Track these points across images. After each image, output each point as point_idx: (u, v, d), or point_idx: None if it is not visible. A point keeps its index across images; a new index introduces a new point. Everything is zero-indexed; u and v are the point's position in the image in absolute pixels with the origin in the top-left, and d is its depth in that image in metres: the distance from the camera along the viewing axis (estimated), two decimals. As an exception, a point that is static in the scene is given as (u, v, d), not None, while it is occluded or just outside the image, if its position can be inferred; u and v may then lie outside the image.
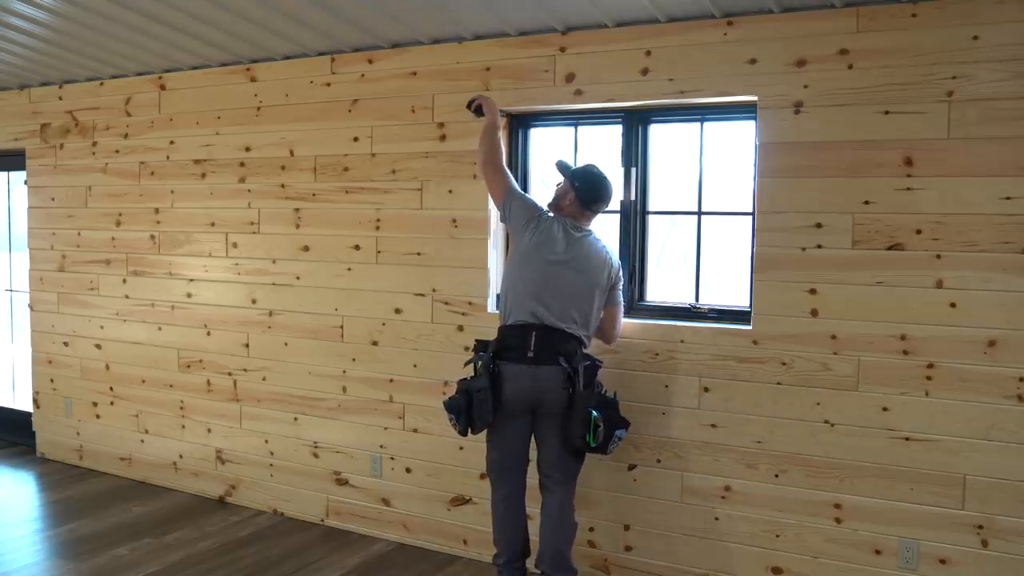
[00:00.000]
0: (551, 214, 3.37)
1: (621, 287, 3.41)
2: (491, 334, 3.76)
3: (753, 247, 3.36)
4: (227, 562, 3.92)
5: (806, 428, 3.28)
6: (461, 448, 3.95)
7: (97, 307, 5.15)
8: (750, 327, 3.37)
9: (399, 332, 4.12)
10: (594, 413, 3.15)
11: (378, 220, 4.13)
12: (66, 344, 5.32)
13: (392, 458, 4.19)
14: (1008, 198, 2.93)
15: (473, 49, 3.83)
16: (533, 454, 3.38)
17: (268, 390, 4.54)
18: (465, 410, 3.20)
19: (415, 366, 4.08)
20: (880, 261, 3.12)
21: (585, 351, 3.27)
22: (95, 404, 5.23)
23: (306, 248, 4.35)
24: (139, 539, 4.16)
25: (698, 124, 3.59)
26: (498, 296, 3.71)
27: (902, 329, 3.10)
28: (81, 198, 5.15)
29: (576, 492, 3.41)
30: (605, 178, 3.37)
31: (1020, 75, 2.89)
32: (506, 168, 3.45)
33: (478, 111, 3.51)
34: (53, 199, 5.28)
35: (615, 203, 3.69)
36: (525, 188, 3.96)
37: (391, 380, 4.16)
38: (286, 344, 4.45)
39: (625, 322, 3.57)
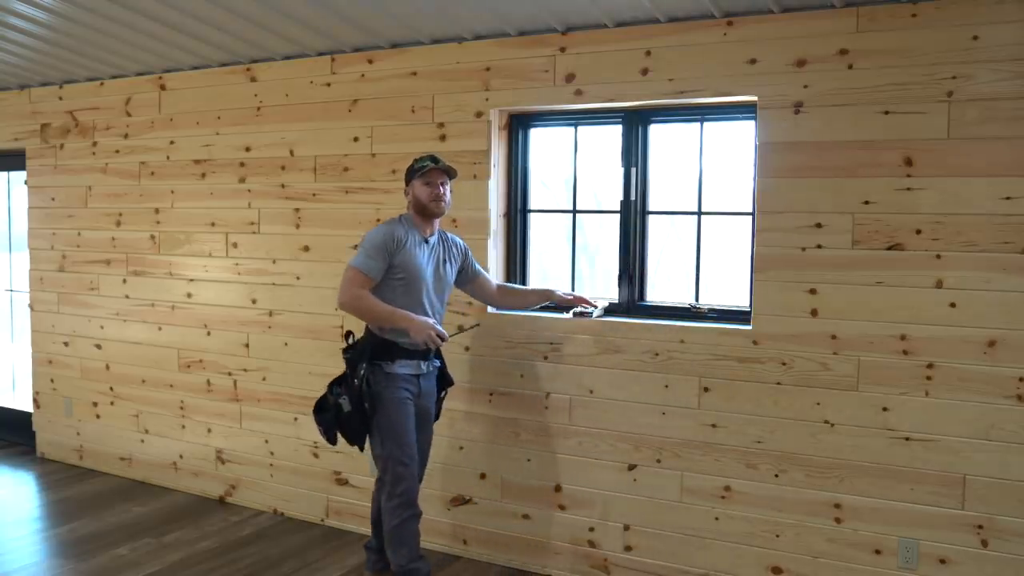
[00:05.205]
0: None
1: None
2: (490, 333, 3.78)
3: (753, 247, 3.36)
4: (227, 562, 3.92)
5: (806, 428, 3.28)
6: (461, 448, 3.95)
7: (97, 307, 5.15)
8: (750, 327, 3.37)
9: (399, 332, 4.11)
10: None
11: (378, 220, 4.11)
12: (66, 344, 5.32)
13: (392, 458, 4.18)
14: (1008, 198, 2.93)
15: (473, 49, 3.83)
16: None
17: (268, 390, 4.54)
18: None
19: (415, 366, 4.07)
20: (880, 261, 3.12)
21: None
22: (95, 404, 5.23)
23: (306, 248, 4.35)
24: (139, 539, 4.16)
25: (698, 124, 3.58)
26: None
27: (902, 329, 3.10)
28: (81, 198, 5.15)
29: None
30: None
31: (1020, 75, 2.89)
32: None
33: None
34: (53, 199, 5.28)
35: (615, 203, 3.70)
36: (525, 188, 3.96)
37: (391, 380, 4.15)
38: (286, 344, 4.45)
39: (625, 322, 3.57)
